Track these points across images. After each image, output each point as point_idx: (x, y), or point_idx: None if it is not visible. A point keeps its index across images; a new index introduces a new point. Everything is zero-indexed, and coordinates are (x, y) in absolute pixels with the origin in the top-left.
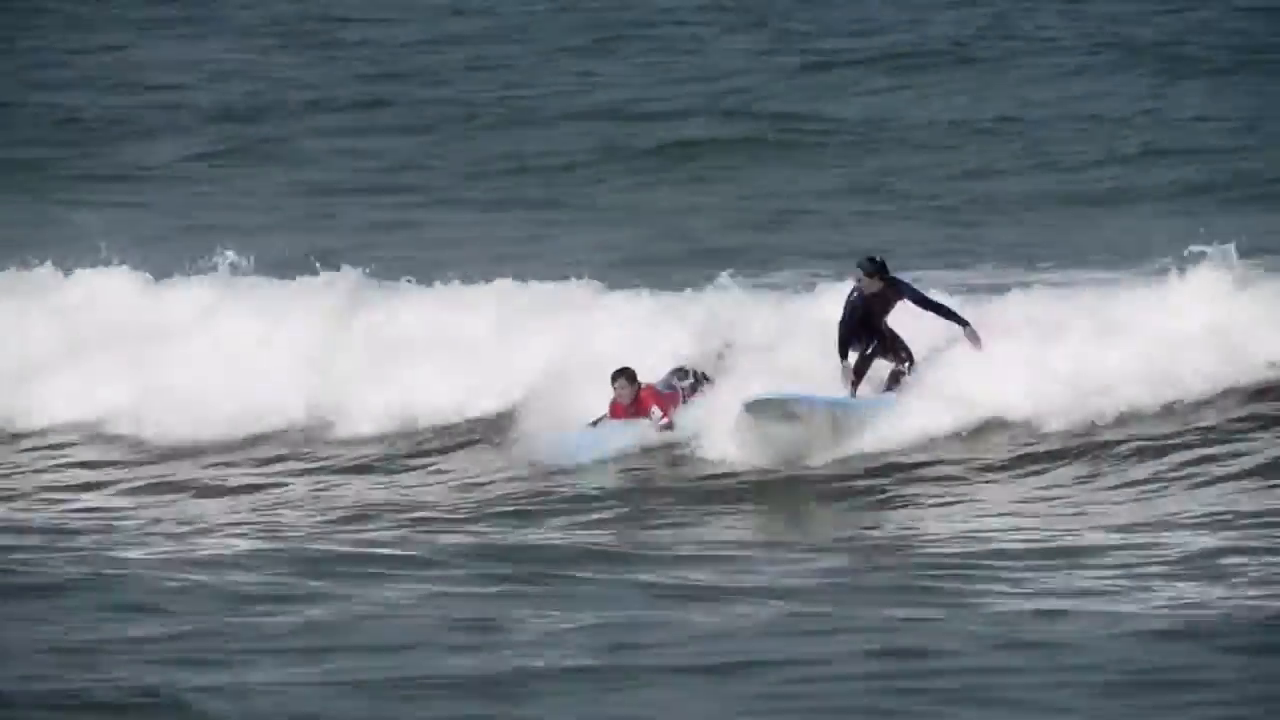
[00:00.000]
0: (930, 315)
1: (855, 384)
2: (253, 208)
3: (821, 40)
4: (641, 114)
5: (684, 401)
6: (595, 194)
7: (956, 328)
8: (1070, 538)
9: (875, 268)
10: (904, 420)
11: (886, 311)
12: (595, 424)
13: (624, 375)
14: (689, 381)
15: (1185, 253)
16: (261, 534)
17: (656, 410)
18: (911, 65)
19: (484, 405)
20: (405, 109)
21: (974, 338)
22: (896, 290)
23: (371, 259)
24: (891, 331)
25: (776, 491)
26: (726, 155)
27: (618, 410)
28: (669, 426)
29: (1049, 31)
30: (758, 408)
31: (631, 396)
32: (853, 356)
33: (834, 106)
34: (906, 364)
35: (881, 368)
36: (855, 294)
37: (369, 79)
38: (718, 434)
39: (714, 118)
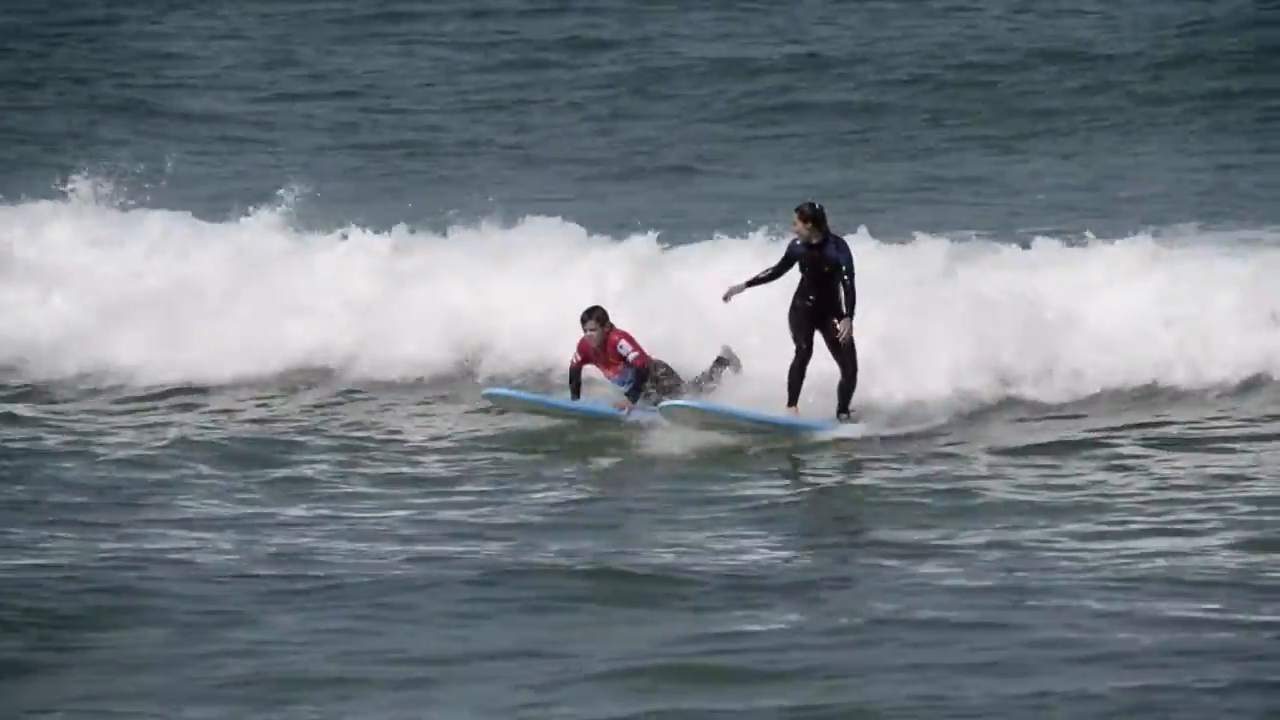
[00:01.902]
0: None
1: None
2: None
3: None
4: None
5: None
6: None
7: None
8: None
9: (814, 213)
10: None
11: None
12: (575, 372)
13: (594, 316)
14: (725, 368)
15: None
16: None
17: (625, 344)
18: None
19: None
20: None
21: (844, 332)
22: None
23: None
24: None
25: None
26: None
27: (585, 349)
28: (641, 363)
29: None
30: (671, 412)
31: (601, 338)
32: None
33: None
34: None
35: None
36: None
37: None
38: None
39: None
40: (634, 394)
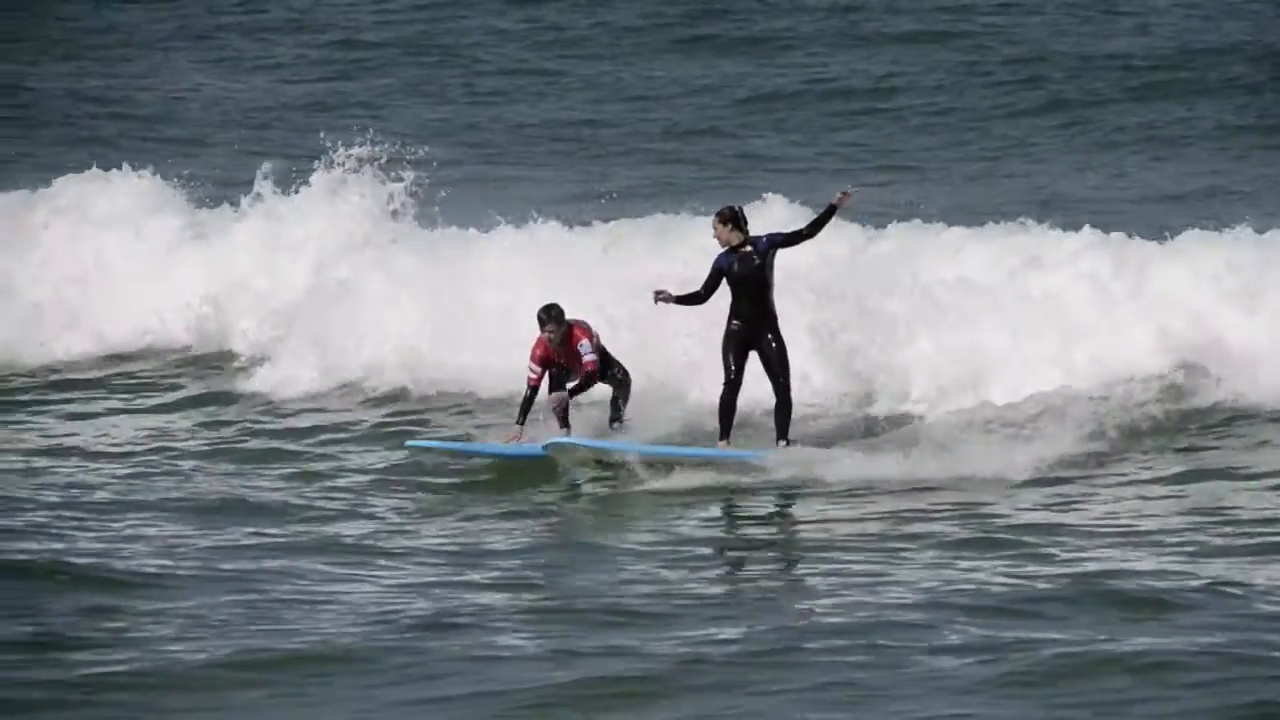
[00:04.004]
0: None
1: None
2: None
3: None
4: None
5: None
6: None
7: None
8: None
9: (731, 215)
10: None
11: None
12: (535, 392)
13: (553, 316)
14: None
15: None
16: None
17: (585, 344)
18: None
19: None
20: None
21: (846, 195)
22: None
23: None
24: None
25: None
26: None
27: (545, 355)
28: (593, 365)
29: None
30: (555, 449)
31: (561, 337)
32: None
33: None
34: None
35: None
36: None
37: None
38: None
39: None
40: (578, 390)
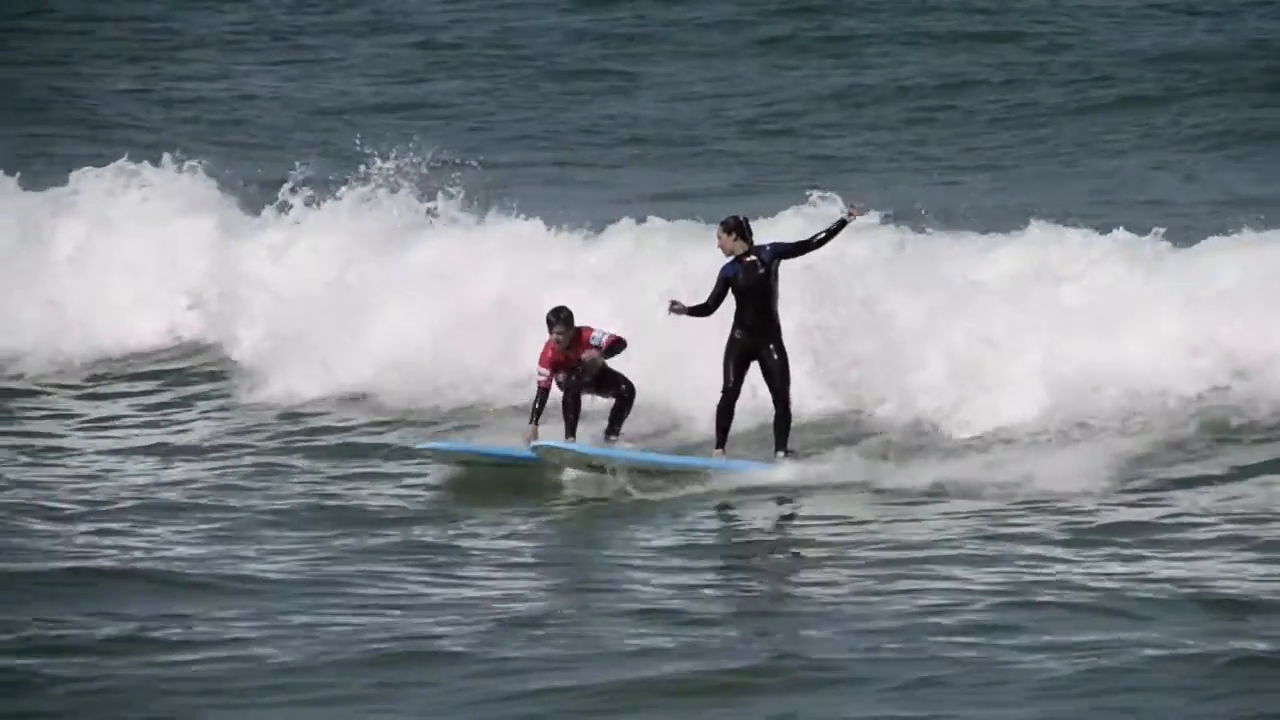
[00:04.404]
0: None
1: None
2: None
3: None
4: None
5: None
6: None
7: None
8: None
9: (736, 224)
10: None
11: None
12: (545, 395)
13: (561, 318)
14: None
15: None
16: None
17: (598, 332)
18: None
19: None
20: None
21: (856, 211)
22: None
23: None
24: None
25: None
26: None
27: (554, 358)
28: (614, 339)
29: None
30: (545, 451)
31: (570, 339)
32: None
33: None
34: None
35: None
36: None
37: None
38: None
39: None
40: (610, 354)
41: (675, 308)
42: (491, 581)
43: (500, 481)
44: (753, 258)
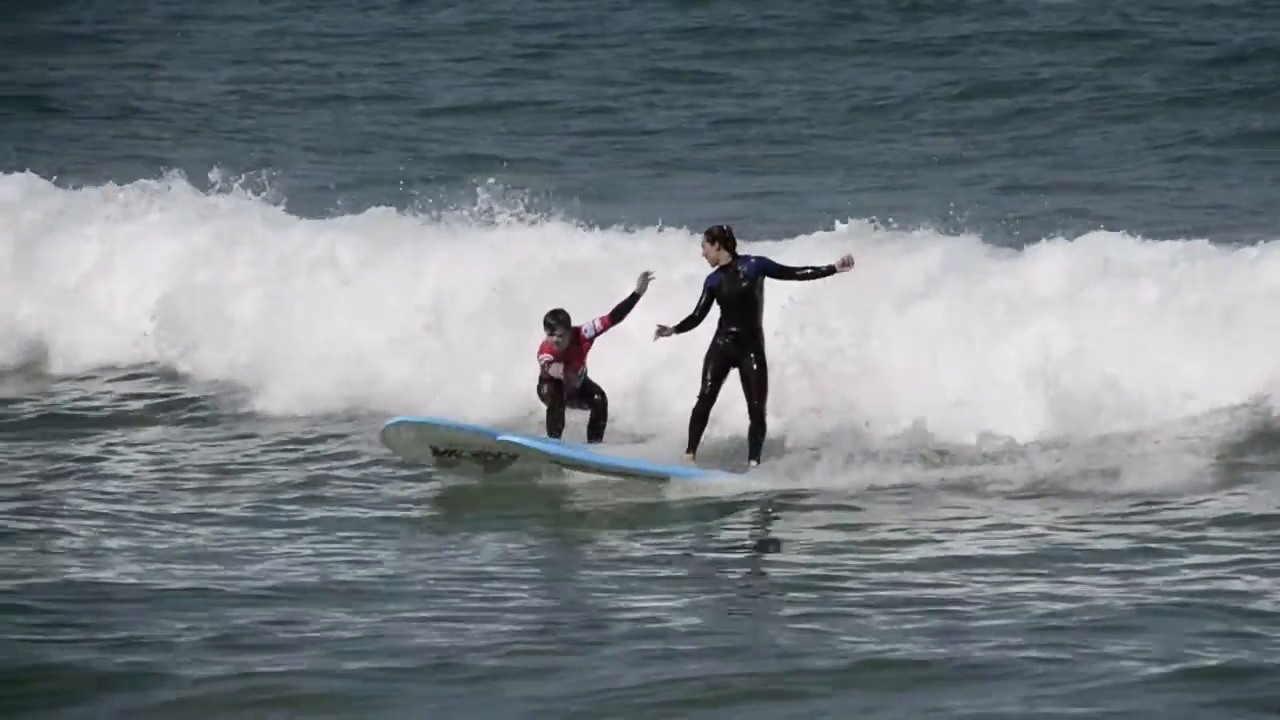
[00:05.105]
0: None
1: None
2: None
3: None
4: None
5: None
6: None
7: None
8: None
9: (720, 234)
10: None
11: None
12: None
13: (561, 321)
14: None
15: None
16: None
17: (591, 325)
18: None
19: None
20: None
21: (847, 264)
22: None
23: None
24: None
25: None
26: None
27: (552, 353)
28: (606, 324)
29: None
30: (506, 445)
31: (567, 342)
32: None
33: None
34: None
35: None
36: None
37: None
38: None
39: None
40: (617, 318)
41: (664, 332)
42: (476, 594)
43: (477, 490)
44: (737, 269)
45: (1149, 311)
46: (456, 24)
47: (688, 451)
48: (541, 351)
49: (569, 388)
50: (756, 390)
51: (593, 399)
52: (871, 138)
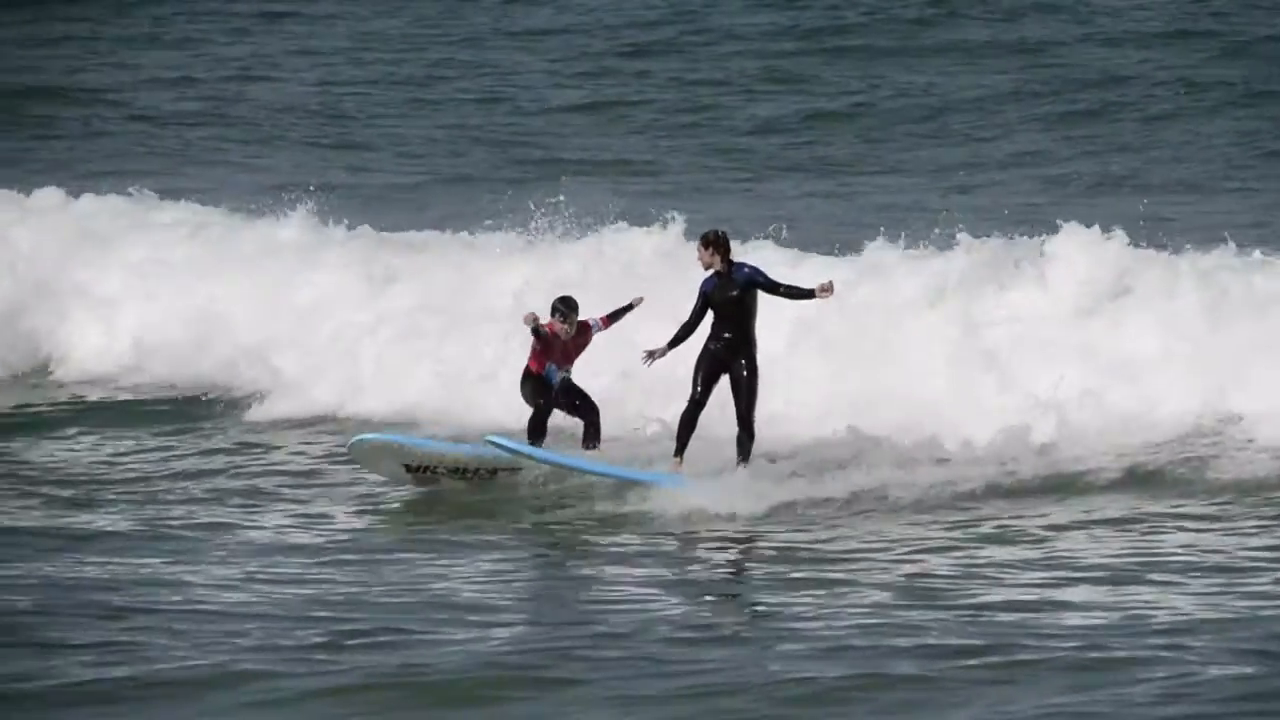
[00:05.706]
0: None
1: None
2: None
3: None
4: None
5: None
6: None
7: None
8: None
9: (716, 239)
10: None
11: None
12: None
13: (571, 308)
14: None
15: None
16: None
17: (598, 320)
18: None
19: None
20: None
21: (826, 290)
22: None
23: None
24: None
25: None
26: None
27: (553, 331)
28: (607, 323)
29: None
30: (488, 444)
31: (574, 330)
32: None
33: None
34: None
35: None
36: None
37: None
38: None
39: None
40: (618, 315)
41: (652, 356)
42: (464, 609)
43: (458, 504)
44: (729, 276)
45: None
46: (549, 26)
47: (674, 455)
48: (536, 346)
49: (559, 374)
50: (746, 396)
51: (584, 400)
52: (961, 135)
